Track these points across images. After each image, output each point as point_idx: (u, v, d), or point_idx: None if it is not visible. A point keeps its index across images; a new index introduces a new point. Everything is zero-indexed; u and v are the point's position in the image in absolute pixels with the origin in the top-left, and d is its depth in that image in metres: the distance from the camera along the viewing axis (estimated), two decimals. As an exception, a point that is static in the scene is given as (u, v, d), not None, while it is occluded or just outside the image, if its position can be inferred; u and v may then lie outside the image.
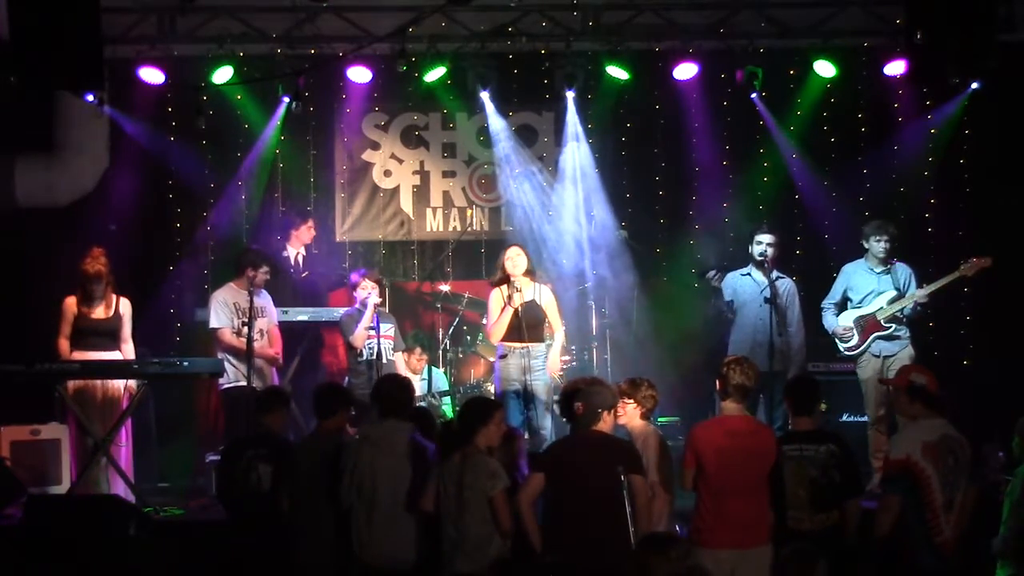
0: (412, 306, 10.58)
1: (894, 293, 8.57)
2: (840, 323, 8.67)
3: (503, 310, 8.17)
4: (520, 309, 8.12)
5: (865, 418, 8.79)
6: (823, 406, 7.21)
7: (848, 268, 8.83)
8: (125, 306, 8.31)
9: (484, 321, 10.12)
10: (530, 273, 8.28)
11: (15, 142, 9.96)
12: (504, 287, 8.26)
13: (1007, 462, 7.27)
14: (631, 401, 6.32)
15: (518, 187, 10.69)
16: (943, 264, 9.13)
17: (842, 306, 8.76)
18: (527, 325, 8.12)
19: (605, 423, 5.88)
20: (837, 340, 8.73)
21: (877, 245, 8.62)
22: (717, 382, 6.01)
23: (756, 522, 5.79)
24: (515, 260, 8.20)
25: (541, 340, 8.28)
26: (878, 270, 8.65)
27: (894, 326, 8.54)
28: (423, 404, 9.31)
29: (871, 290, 8.64)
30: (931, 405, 5.87)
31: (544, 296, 8.30)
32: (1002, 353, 9.90)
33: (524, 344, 8.14)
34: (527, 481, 5.81)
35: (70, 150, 10.06)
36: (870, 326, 8.58)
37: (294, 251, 10.13)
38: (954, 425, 5.88)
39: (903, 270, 8.65)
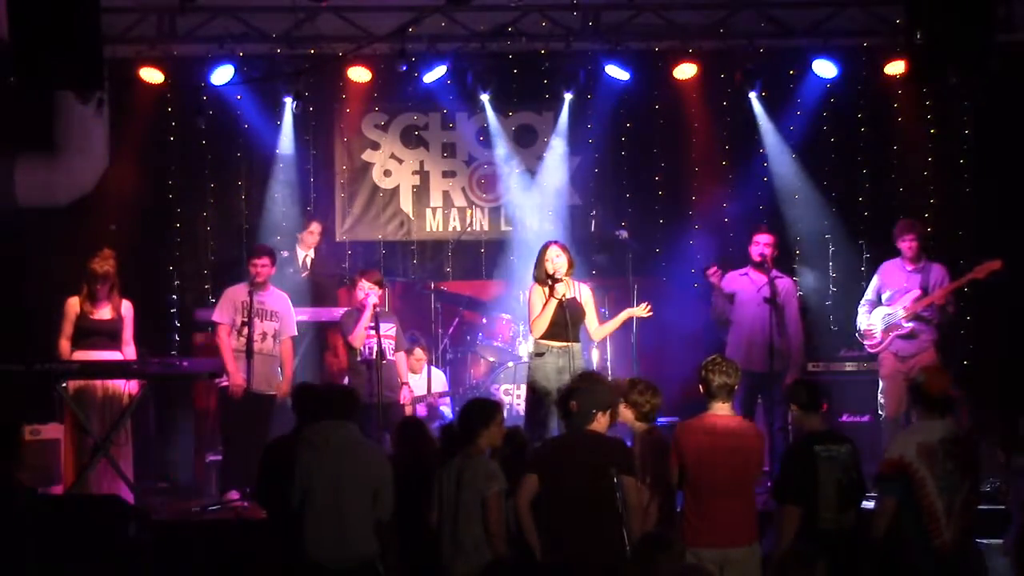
0: (412, 306, 10.57)
1: (919, 292, 8.56)
2: (866, 322, 8.69)
3: (546, 303, 7.81)
4: (565, 303, 7.79)
5: (865, 418, 8.80)
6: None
7: (883, 266, 8.85)
8: (127, 309, 8.31)
9: (484, 320, 10.19)
10: (572, 271, 8.00)
11: (15, 142, 9.96)
12: (545, 285, 7.92)
13: (1007, 462, 7.27)
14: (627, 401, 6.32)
15: (517, 187, 10.71)
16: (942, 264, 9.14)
17: (877, 304, 8.76)
18: (571, 322, 7.79)
19: (599, 423, 5.87)
20: (860, 339, 8.76)
21: (903, 245, 8.66)
22: (700, 386, 6.02)
23: (741, 522, 5.80)
24: (555, 261, 7.87)
25: (578, 339, 7.94)
26: (909, 268, 8.66)
27: (914, 325, 8.54)
28: (419, 404, 9.35)
29: (899, 288, 8.65)
30: (930, 406, 5.87)
31: (584, 294, 8.05)
32: (1002, 353, 9.90)
33: (565, 343, 7.81)
34: (522, 483, 5.78)
35: (70, 150, 10.06)
36: (892, 326, 8.59)
37: (303, 253, 10.13)
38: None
39: (937, 271, 8.64)
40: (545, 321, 7.82)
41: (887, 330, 8.59)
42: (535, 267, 8.03)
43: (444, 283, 10.49)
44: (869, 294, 8.81)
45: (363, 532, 5.86)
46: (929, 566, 5.73)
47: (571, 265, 7.98)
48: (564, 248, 8.02)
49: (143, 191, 10.29)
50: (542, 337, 7.87)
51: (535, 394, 7.87)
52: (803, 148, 10.53)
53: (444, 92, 10.53)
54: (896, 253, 8.80)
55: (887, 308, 8.64)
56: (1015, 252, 9.92)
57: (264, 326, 8.51)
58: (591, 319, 8.04)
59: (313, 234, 10.16)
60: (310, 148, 10.71)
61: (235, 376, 8.34)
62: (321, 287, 10.20)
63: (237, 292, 8.62)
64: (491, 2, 9.73)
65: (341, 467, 5.86)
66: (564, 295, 7.80)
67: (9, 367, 7.84)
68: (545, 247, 8.04)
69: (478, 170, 10.93)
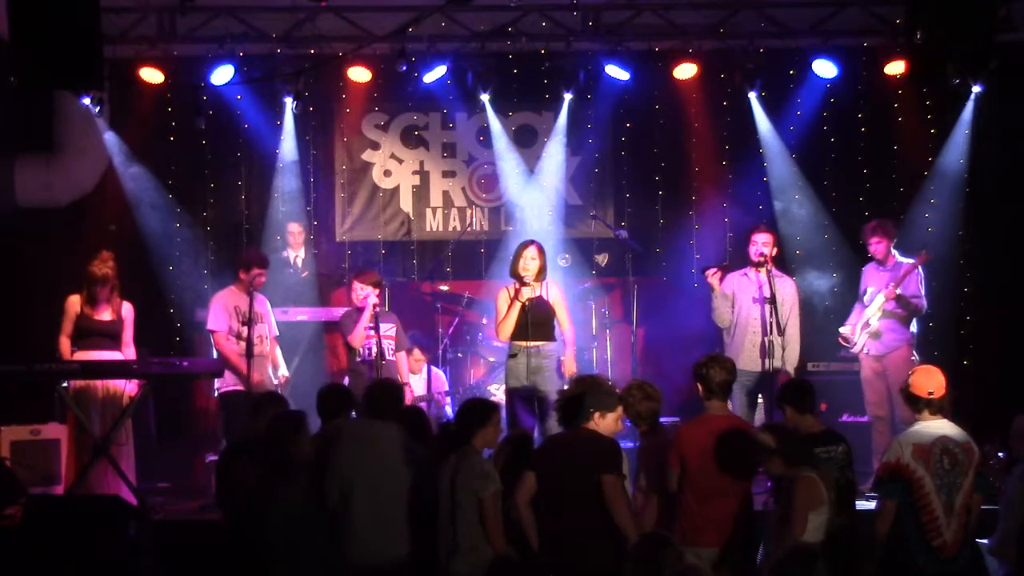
0: (412, 306, 10.58)
1: (887, 291, 8.60)
2: (849, 325, 8.75)
3: (511, 306, 7.96)
4: (527, 305, 7.92)
5: (865, 418, 8.81)
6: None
7: (864, 268, 8.91)
8: (127, 310, 8.30)
9: (484, 320, 10.20)
10: (542, 275, 8.10)
11: (15, 142, 9.97)
12: (512, 285, 8.07)
13: (1007, 462, 7.27)
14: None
15: (516, 187, 10.73)
16: (943, 264, 9.15)
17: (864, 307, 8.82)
18: (533, 323, 7.91)
19: (598, 424, 5.87)
20: (843, 343, 8.80)
21: (871, 248, 8.75)
22: (699, 385, 6.02)
23: (741, 522, 5.80)
24: (527, 263, 8.00)
25: (550, 339, 8.05)
26: (883, 268, 8.71)
27: (881, 324, 8.58)
28: (421, 404, 9.35)
29: (874, 288, 8.70)
30: (925, 407, 5.87)
31: (552, 292, 8.14)
32: (1002, 353, 9.90)
33: (532, 343, 7.93)
34: (521, 481, 5.79)
35: (70, 150, 10.07)
36: (863, 325, 8.67)
37: (293, 254, 10.13)
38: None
39: (905, 266, 8.66)
40: (509, 325, 7.98)
41: (860, 330, 8.68)
42: (511, 263, 8.12)
43: (444, 283, 10.49)
44: (860, 297, 8.88)
45: (402, 533, 5.84)
46: (930, 566, 5.74)
47: (542, 270, 8.08)
48: (541, 251, 8.11)
49: (143, 191, 10.28)
50: (513, 339, 8.01)
51: (509, 394, 8.04)
52: (803, 148, 10.53)
53: (444, 92, 10.53)
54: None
55: (866, 309, 8.70)
56: (1014, 251, 9.96)
57: (259, 329, 8.52)
58: (562, 317, 8.15)
59: (294, 234, 10.17)
60: (310, 148, 10.71)
61: (250, 374, 8.31)
62: (321, 287, 10.20)
63: (229, 298, 8.58)
64: (491, 2, 9.73)
65: (383, 468, 5.87)
66: (527, 300, 7.93)
67: (9, 367, 7.84)
68: (523, 246, 8.14)
69: (478, 170, 10.93)
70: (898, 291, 8.49)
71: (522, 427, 7.72)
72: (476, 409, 6.03)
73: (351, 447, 5.96)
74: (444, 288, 10.34)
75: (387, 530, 5.84)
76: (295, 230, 10.21)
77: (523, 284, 7.97)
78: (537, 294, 8.04)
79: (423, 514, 5.89)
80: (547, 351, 8.01)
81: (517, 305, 7.93)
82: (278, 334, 8.88)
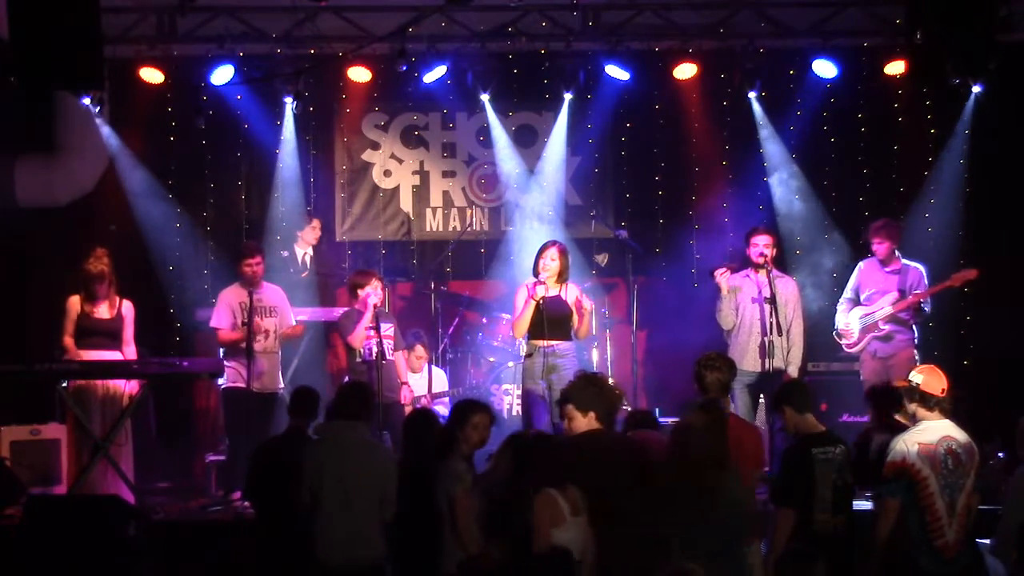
0: (412, 306, 10.58)
1: (896, 295, 8.60)
2: (843, 321, 8.73)
3: (526, 304, 8.03)
4: (542, 305, 7.96)
5: (865, 419, 8.80)
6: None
7: (861, 265, 8.90)
8: (128, 308, 8.31)
9: (484, 320, 10.20)
10: (562, 277, 8.14)
11: (15, 142, 9.96)
12: (528, 283, 8.14)
13: (1007, 462, 7.28)
14: None
15: (517, 187, 10.72)
16: (943, 265, 9.14)
17: (856, 303, 8.79)
18: (549, 321, 7.95)
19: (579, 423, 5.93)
20: (838, 338, 8.79)
21: (875, 247, 8.76)
22: (695, 383, 6.02)
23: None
24: (547, 263, 8.06)
25: (566, 338, 8.09)
26: (887, 269, 8.69)
27: (890, 327, 8.57)
28: (418, 404, 9.34)
29: (877, 289, 8.68)
30: (930, 406, 5.87)
31: (571, 294, 8.18)
32: (1002, 353, 9.90)
33: (547, 342, 7.97)
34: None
35: (70, 150, 10.07)
36: (869, 326, 8.64)
37: (301, 251, 10.13)
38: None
39: (914, 273, 8.66)
40: (524, 323, 8.04)
41: (864, 331, 8.66)
42: (534, 260, 8.18)
43: (444, 283, 10.49)
44: (848, 293, 8.89)
45: (372, 534, 5.85)
46: (931, 566, 5.74)
47: (563, 270, 8.11)
48: (562, 252, 8.15)
49: (143, 191, 10.28)
50: (529, 338, 8.07)
51: (525, 394, 8.10)
52: (803, 148, 10.52)
53: (444, 92, 10.53)
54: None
55: (865, 308, 8.70)
56: (1014, 252, 9.96)
57: (266, 323, 8.56)
58: (574, 317, 8.15)
59: (315, 230, 10.19)
60: (310, 148, 10.70)
61: (250, 368, 8.31)
62: (322, 286, 10.20)
63: (233, 294, 8.64)
64: (491, 2, 9.73)
65: (350, 468, 5.85)
66: (541, 298, 7.96)
67: (9, 367, 7.84)
68: (545, 246, 8.21)
69: (478, 170, 10.93)
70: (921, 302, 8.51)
71: (537, 427, 7.73)
72: (455, 411, 6.11)
73: (317, 450, 5.95)
74: (444, 288, 10.34)
75: (355, 531, 5.81)
76: (317, 225, 10.20)
77: (539, 284, 8.01)
78: (554, 293, 8.07)
79: (407, 514, 5.91)
80: (563, 351, 8.04)
81: (532, 304, 7.98)
82: (292, 324, 8.91)
